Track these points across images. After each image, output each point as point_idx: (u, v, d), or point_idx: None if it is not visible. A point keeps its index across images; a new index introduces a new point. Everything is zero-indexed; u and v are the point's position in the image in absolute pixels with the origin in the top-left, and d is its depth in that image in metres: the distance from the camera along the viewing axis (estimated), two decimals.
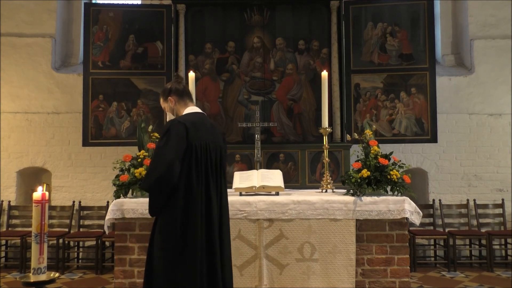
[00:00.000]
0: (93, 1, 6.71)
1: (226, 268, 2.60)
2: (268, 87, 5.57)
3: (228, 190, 4.06)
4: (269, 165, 5.16)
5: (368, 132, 3.94)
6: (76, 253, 5.95)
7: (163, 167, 2.43)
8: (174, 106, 2.81)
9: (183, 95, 2.80)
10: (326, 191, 4.07)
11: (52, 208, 5.97)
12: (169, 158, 2.44)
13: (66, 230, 5.86)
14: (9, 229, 5.93)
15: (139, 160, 3.78)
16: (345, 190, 3.87)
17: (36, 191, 1.96)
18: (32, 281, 1.90)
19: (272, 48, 5.59)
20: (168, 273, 2.45)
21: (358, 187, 3.66)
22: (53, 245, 5.50)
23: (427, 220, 5.90)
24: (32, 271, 1.92)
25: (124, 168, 3.80)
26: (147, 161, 3.71)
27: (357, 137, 4.05)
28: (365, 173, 3.65)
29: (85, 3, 6.02)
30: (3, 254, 5.94)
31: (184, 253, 2.45)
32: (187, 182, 2.50)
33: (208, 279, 2.50)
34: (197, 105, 2.92)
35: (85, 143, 5.47)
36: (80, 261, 5.97)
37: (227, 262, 2.63)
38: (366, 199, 3.61)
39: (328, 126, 4.23)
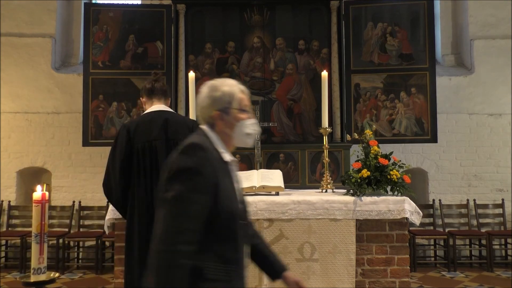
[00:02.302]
0: (93, 1, 6.71)
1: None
2: (268, 87, 5.56)
3: None
4: (269, 165, 5.15)
5: (368, 132, 3.93)
6: (76, 253, 5.95)
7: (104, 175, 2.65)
8: (144, 107, 2.83)
9: (151, 94, 2.80)
10: (326, 191, 4.06)
11: (52, 208, 5.96)
12: (106, 169, 2.65)
13: (66, 230, 5.85)
14: (9, 229, 5.93)
15: None
16: (345, 190, 3.87)
17: (36, 191, 1.96)
18: (32, 281, 1.90)
19: (272, 48, 5.58)
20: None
21: (358, 187, 3.65)
22: (53, 245, 5.50)
23: (427, 220, 5.89)
24: (32, 271, 1.92)
25: None
26: None
27: (357, 137, 4.04)
28: (365, 173, 3.64)
29: (85, 3, 6.02)
30: (3, 254, 5.94)
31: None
32: (130, 183, 2.59)
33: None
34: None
35: (85, 143, 5.46)
36: (80, 261, 5.98)
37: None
38: (366, 199, 3.61)
39: (328, 126, 4.22)
